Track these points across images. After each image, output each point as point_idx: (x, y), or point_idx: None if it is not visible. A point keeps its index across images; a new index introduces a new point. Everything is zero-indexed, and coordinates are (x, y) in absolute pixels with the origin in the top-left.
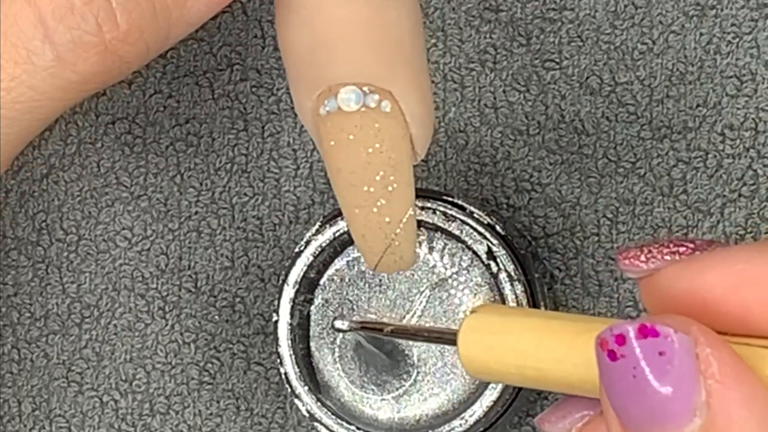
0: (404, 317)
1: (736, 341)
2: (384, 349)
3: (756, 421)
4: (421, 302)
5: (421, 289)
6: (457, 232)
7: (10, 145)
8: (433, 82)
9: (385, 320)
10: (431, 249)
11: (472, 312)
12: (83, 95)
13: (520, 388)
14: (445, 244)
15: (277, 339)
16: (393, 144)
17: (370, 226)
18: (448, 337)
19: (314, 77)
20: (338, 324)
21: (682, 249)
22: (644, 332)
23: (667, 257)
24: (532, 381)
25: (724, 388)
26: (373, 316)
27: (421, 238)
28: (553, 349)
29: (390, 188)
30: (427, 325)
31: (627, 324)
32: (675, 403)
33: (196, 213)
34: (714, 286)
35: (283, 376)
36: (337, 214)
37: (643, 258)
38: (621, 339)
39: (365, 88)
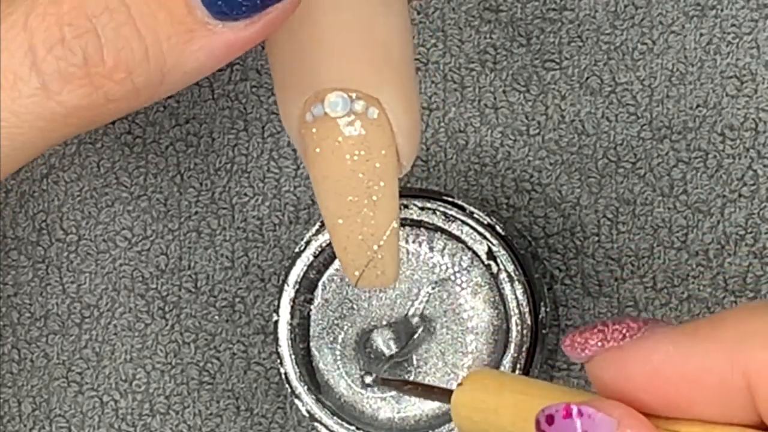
0: (404, 317)
1: (667, 426)
2: (387, 348)
3: None
4: (421, 302)
5: (422, 289)
6: (457, 233)
7: None
8: (433, 82)
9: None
10: (431, 249)
11: (460, 384)
12: (67, 130)
13: None
14: (445, 245)
15: (277, 339)
16: (379, 152)
17: (352, 237)
18: (443, 397)
19: (301, 83)
20: (367, 379)
21: (614, 335)
22: (570, 413)
23: (599, 344)
24: None
25: None
26: (373, 318)
27: (422, 238)
28: (524, 426)
29: (374, 198)
30: (431, 382)
31: (556, 405)
32: None
33: (196, 213)
34: (634, 376)
35: (283, 376)
36: None
37: (578, 346)
38: (550, 419)
39: (352, 94)
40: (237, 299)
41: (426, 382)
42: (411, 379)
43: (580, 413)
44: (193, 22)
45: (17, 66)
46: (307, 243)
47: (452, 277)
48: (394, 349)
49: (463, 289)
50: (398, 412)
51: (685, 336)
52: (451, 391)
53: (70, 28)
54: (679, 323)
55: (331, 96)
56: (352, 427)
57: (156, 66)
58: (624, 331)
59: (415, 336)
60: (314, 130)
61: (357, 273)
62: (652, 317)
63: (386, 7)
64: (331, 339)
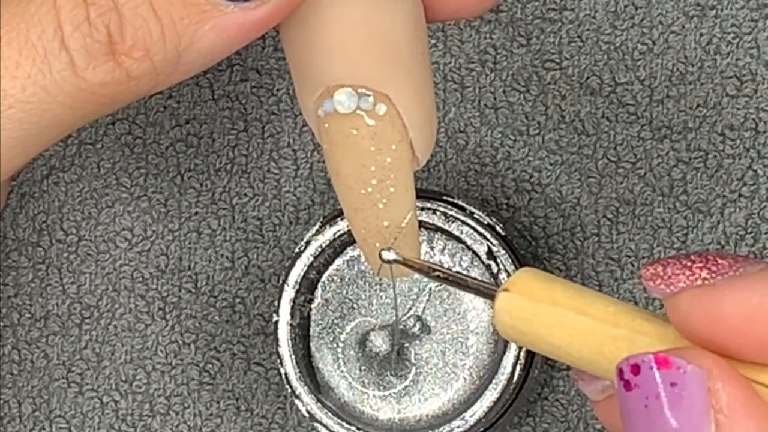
0: (405, 316)
1: (754, 376)
2: (387, 348)
3: None
4: (421, 302)
5: (422, 289)
6: (457, 233)
7: (17, 151)
8: (433, 82)
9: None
10: (431, 249)
11: (505, 289)
12: (92, 108)
13: (521, 389)
14: (446, 245)
15: (277, 339)
16: (389, 147)
17: (369, 229)
18: (487, 293)
19: (313, 78)
20: (385, 254)
21: (701, 272)
22: (658, 363)
23: (687, 282)
24: (566, 363)
25: (732, 423)
26: (373, 318)
27: (422, 238)
28: (582, 351)
29: (388, 192)
30: (468, 277)
31: (642, 355)
32: None
33: (196, 213)
34: (730, 316)
35: (283, 377)
36: (337, 215)
37: (661, 281)
38: (635, 369)
39: (360, 90)
40: (237, 300)
41: (426, 381)
42: (411, 378)
43: (670, 364)
44: (205, 2)
45: (48, 42)
46: (307, 243)
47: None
48: (394, 348)
49: None
50: (398, 413)
51: None
52: (492, 288)
53: (94, 6)
54: None
55: (340, 92)
56: (353, 428)
57: (171, 45)
58: (713, 268)
59: (415, 336)
60: (326, 125)
61: (377, 263)
62: (740, 255)
63: (395, 3)
64: (331, 339)
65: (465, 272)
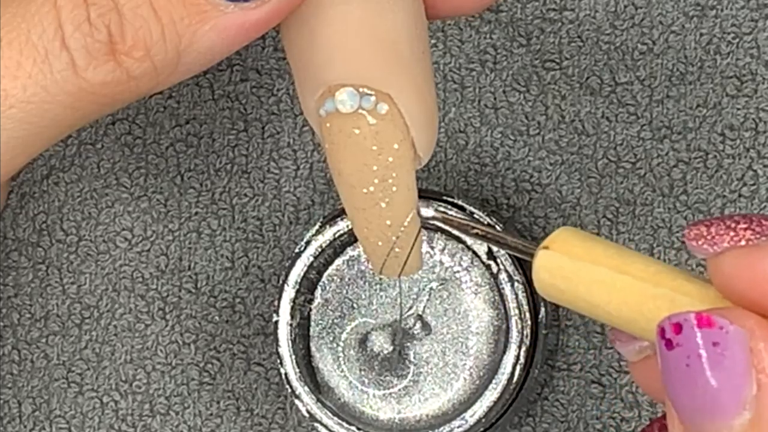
0: (405, 315)
1: None
2: (387, 348)
3: None
4: (421, 301)
5: (422, 289)
6: (457, 233)
7: (17, 151)
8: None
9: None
10: (431, 249)
11: (545, 247)
12: (92, 108)
13: (521, 389)
14: (445, 245)
15: (277, 339)
16: (391, 146)
17: (371, 228)
18: (526, 251)
19: (314, 78)
20: (424, 212)
21: (746, 233)
22: (700, 322)
23: (731, 242)
24: (605, 322)
25: None
26: (373, 318)
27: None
28: (622, 309)
29: (390, 191)
30: (507, 235)
31: (684, 314)
32: (725, 394)
33: (196, 214)
34: None
35: (284, 377)
36: (337, 215)
37: (705, 241)
38: (677, 328)
39: (362, 90)
40: (237, 300)
41: (427, 382)
42: (411, 378)
43: (712, 323)
44: (205, 3)
45: (49, 42)
46: (307, 243)
47: (452, 277)
48: (394, 348)
49: (463, 289)
50: (398, 413)
51: None
52: (531, 246)
53: (95, 6)
54: None
55: (341, 92)
56: (353, 428)
57: (172, 45)
58: (758, 229)
59: (416, 336)
60: (327, 125)
61: (380, 262)
62: None
63: (396, 2)
64: (331, 339)
65: (503, 233)
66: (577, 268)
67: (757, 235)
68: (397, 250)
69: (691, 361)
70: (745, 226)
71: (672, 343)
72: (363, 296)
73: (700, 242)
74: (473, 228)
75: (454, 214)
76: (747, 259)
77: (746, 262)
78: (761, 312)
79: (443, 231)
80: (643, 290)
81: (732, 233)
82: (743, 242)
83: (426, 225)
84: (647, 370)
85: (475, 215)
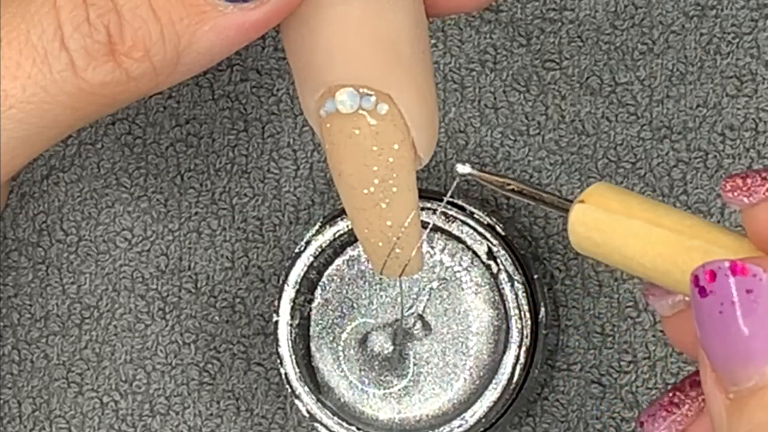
0: (404, 316)
1: None
2: (387, 348)
3: None
4: (421, 301)
5: (422, 289)
6: (457, 233)
7: (17, 151)
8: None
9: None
10: (432, 249)
11: (581, 201)
12: (92, 109)
13: (521, 389)
14: (446, 245)
15: (277, 339)
16: (391, 147)
17: (372, 228)
18: (561, 206)
19: (315, 78)
20: (460, 168)
21: None
22: (734, 270)
23: (767, 193)
24: (638, 276)
25: None
26: (373, 318)
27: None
28: (656, 262)
29: (390, 191)
30: (543, 191)
31: (718, 261)
32: (757, 341)
33: (196, 214)
34: None
35: (284, 377)
36: (337, 215)
37: (741, 193)
38: (711, 275)
39: (362, 90)
40: (237, 300)
41: (427, 381)
42: (411, 378)
43: (746, 271)
44: (205, 3)
45: (48, 42)
46: (307, 243)
47: (452, 277)
48: (394, 348)
49: (463, 289)
50: (398, 413)
51: None
52: (567, 201)
53: (94, 7)
54: None
55: (341, 92)
56: (353, 428)
57: (171, 46)
58: None
59: (416, 336)
60: (328, 125)
61: (380, 263)
62: None
63: (396, 2)
64: (331, 339)
65: (539, 188)
66: (613, 221)
67: None
68: (397, 250)
69: (724, 308)
70: None
71: (706, 290)
72: (363, 296)
73: (735, 193)
74: (508, 184)
75: (489, 173)
76: None
77: None
78: None
79: (443, 231)
80: (678, 242)
81: (767, 183)
82: None
83: (426, 226)
84: (680, 324)
85: (475, 215)
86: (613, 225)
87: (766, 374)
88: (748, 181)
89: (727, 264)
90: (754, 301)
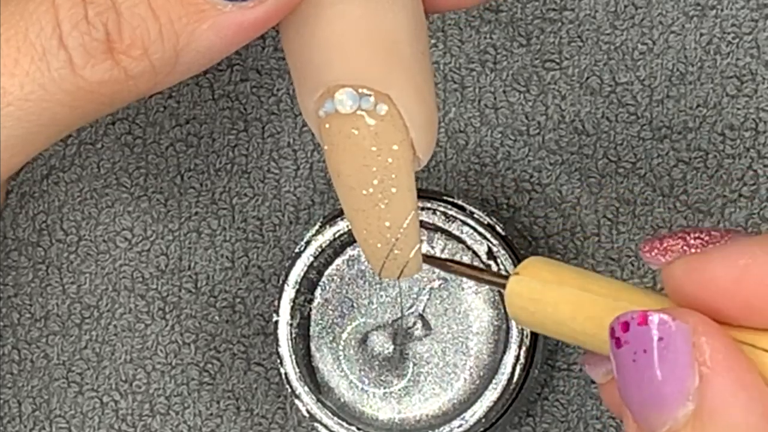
0: (405, 316)
1: (743, 337)
2: (387, 348)
3: (742, 408)
4: (422, 301)
5: (422, 289)
6: (457, 233)
7: (16, 149)
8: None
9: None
10: (432, 249)
11: (516, 274)
12: (91, 107)
13: (521, 389)
14: (446, 245)
15: (277, 339)
16: (391, 147)
17: (370, 229)
18: (499, 282)
19: (314, 78)
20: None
21: (695, 242)
22: (645, 320)
23: (681, 251)
24: (572, 342)
25: (715, 375)
26: (373, 318)
27: (422, 238)
28: (585, 325)
29: (389, 192)
30: (483, 270)
31: (631, 312)
32: (669, 386)
33: (197, 213)
34: (718, 279)
35: (284, 377)
36: (337, 215)
37: (657, 252)
38: (625, 326)
39: (361, 90)
40: (237, 300)
41: (427, 382)
42: (411, 378)
43: (656, 321)
44: (204, 2)
45: (46, 40)
46: (307, 243)
47: (453, 277)
48: (394, 348)
49: (463, 289)
50: (398, 413)
51: None
52: (504, 276)
53: (93, 5)
54: None
55: (340, 93)
56: (353, 428)
57: (170, 45)
58: (706, 238)
59: (416, 336)
60: (326, 126)
61: (379, 264)
62: (733, 228)
63: (395, 2)
64: (331, 339)
65: (478, 266)
66: (545, 290)
67: (705, 244)
68: (396, 251)
69: (637, 357)
70: (695, 236)
71: (621, 341)
72: (363, 296)
73: (653, 253)
74: (450, 265)
75: (432, 256)
76: (694, 263)
77: (693, 267)
78: (710, 315)
79: (443, 231)
80: (605, 304)
81: (682, 242)
82: (692, 251)
83: (425, 226)
84: (613, 389)
85: (475, 215)
86: (545, 293)
87: (679, 419)
88: (665, 242)
89: (638, 314)
90: (665, 348)
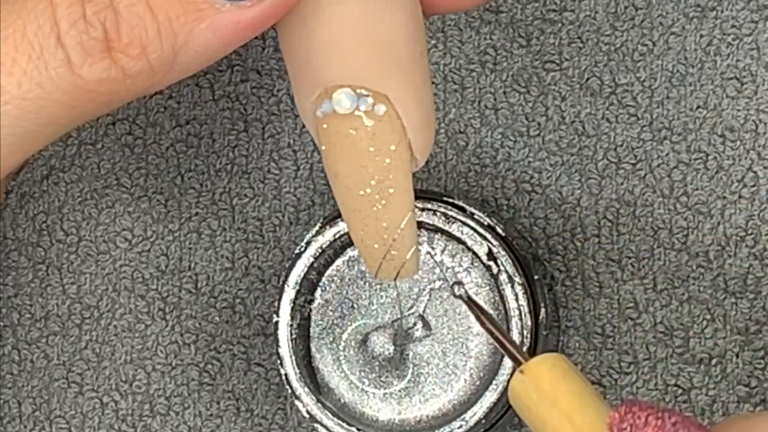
0: (405, 317)
1: None
2: (387, 348)
3: None
4: (422, 302)
5: (422, 290)
6: (457, 234)
7: (14, 148)
8: (433, 83)
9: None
10: (432, 250)
11: (521, 371)
12: (88, 107)
13: None
14: (446, 246)
15: (277, 340)
16: (388, 148)
17: (367, 230)
18: (513, 358)
19: (312, 78)
20: (457, 290)
21: None
22: None
23: None
24: None
25: None
26: (373, 318)
27: (422, 239)
28: None
29: (386, 192)
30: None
31: None
32: None
33: (197, 214)
34: None
35: (284, 377)
36: (337, 215)
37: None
38: None
39: (359, 91)
40: (237, 300)
41: (427, 382)
42: (411, 379)
43: None
44: (202, 1)
45: (44, 38)
46: (308, 244)
47: (452, 278)
48: (394, 349)
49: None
50: (399, 414)
51: None
52: (518, 359)
53: (90, 4)
54: (681, 327)
55: (339, 93)
56: (353, 428)
57: (168, 44)
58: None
59: (416, 336)
60: (324, 126)
61: (376, 265)
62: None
63: (394, 2)
64: (332, 339)
65: (506, 334)
66: (538, 403)
67: None
68: (393, 252)
69: None
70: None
71: None
72: (363, 297)
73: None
74: (485, 322)
75: (477, 305)
76: None
77: None
78: None
79: (444, 232)
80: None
81: None
82: None
83: (426, 227)
84: None
85: (475, 216)
86: (538, 405)
87: None
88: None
89: None
90: None
